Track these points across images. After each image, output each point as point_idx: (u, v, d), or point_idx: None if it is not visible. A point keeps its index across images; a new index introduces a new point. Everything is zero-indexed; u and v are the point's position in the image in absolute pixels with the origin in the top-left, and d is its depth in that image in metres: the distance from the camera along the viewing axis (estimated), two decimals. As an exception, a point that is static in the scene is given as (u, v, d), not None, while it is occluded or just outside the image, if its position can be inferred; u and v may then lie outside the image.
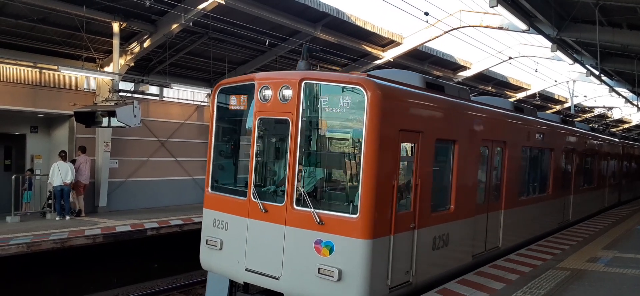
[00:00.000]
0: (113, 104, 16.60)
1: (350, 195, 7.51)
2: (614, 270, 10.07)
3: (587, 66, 19.04)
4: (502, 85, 32.61)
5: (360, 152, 7.14)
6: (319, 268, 7.22)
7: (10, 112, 16.65)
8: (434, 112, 8.83)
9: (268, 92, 8.04)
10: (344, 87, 7.41)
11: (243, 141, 8.91)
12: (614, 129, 34.20)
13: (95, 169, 18.32)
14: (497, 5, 11.98)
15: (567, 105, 37.48)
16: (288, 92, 7.76)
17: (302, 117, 7.64)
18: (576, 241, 13.33)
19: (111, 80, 17.34)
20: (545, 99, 37.49)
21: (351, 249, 7.09)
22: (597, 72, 18.84)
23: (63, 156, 16.15)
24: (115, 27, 16.31)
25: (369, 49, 21.94)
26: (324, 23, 19.28)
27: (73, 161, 16.70)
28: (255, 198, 8.06)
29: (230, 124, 9.30)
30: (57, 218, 15.86)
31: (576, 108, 30.58)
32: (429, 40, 22.13)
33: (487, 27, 19.81)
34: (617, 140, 24.35)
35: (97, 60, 18.07)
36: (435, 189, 8.67)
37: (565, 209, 16.04)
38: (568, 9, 14.28)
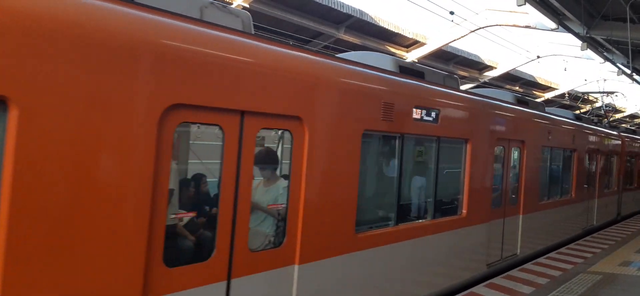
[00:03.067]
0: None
1: None
2: (648, 274, 9.79)
3: (618, 64, 18.57)
4: (530, 85, 32.08)
5: None
6: None
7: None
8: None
9: None
10: None
11: None
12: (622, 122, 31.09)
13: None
14: (524, 4, 11.78)
15: (597, 105, 36.64)
16: None
17: None
18: (608, 245, 12.99)
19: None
20: (575, 98, 36.71)
21: None
22: (628, 71, 18.35)
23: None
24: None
25: (393, 49, 21.83)
26: (348, 24, 19.28)
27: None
28: None
29: None
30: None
31: (607, 107, 29.73)
32: (454, 41, 21.91)
33: (514, 25, 19.51)
34: (615, 134, 18.19)
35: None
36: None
37: (508, 238, 10.05)
38: (598, 6, 13.96)
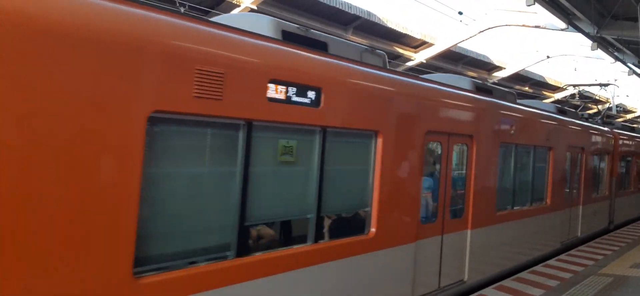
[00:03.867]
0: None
1: None
2: (660, 276, 9.67)
3: (628, 64, 18.42)
4: (539, 85, 31.89)
5: None
6: None
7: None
8: None
9: None
10: None
11: None
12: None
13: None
14: (534, 4, 11.72)
15: (607, 105, 36.39)
16: None
17: None
18: (619, 247, 12.86)
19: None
20: (586, 98, 36.50)
21: None
22: (639, 71, 18.20)
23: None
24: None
25: (400, 50, 21.80)
26: (355, 26, 19.28)
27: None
28: None
29: None
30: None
31: (618, 109, 29.29)
32: (463, 41, 21.85)
33: (523, 25, 19.42)
34: (607, 130, 15.60)
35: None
36: None
37: (450, 261, 7.67)
38: (608, 6, 13.84)
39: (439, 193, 7.43)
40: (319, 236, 5.44)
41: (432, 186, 7.36)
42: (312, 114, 5.22)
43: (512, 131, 9.26)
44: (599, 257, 11.43)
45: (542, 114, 10.90)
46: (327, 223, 5.72)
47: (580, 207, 13.04)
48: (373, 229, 6.09)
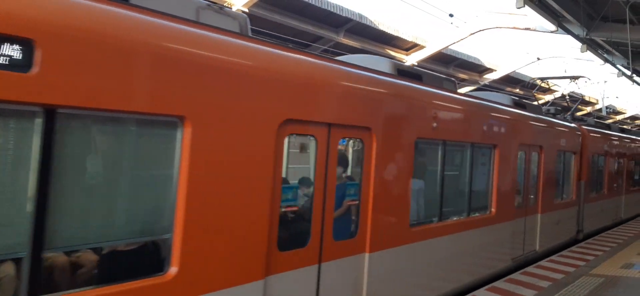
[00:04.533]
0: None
1: None
2: (650, 276, 9.73)
3: (618, 66, 18.58)
4: (530, 87, 32.10)
5: None
6: None
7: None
8: None
9: None
10: None
11: None
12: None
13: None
14: (523, 6, 11.78)
15: (598, 106, 36.67)
16: None
17: None
18: (610, 247, 12.94)
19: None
20: (575, 100, 36.80)
21: None
22: (628, 73, 18.37)
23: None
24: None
25: (392, 53, 21.85)
26: (347, 28, 19.30)
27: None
28: None
29: None
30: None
31: (608, 110, 29.41)
32: (454, 43, 21.95)
33: (513, 28, 19.53)
34: (574, 126, 13.52)
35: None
36: None
37: None
38: (598, 8, 13.95)
39: (314, 205, 5.40)
40: (43, 286, 3.32)
41: (302, 197, 5.49)
42: (15, 83, 3.11)
43: (436, 124, 7.34)
44: (591, 258, 11.49)
45: (483, 105, 8.95)
46: (73, 263, 3.68)
47: (539, 216, 11.16)
48: (174, 268, 3.96)
